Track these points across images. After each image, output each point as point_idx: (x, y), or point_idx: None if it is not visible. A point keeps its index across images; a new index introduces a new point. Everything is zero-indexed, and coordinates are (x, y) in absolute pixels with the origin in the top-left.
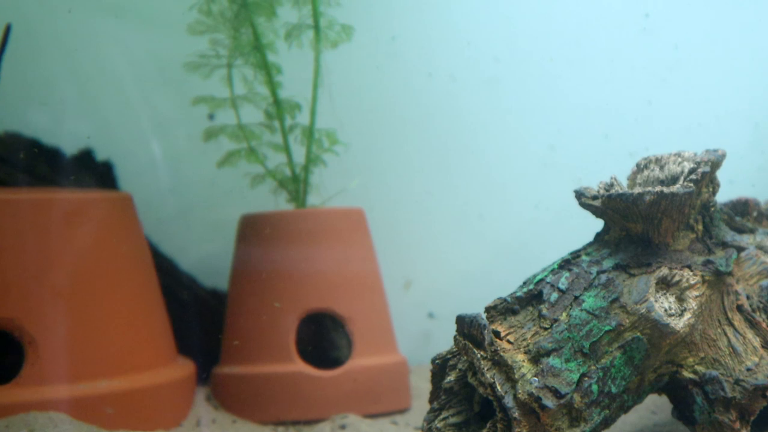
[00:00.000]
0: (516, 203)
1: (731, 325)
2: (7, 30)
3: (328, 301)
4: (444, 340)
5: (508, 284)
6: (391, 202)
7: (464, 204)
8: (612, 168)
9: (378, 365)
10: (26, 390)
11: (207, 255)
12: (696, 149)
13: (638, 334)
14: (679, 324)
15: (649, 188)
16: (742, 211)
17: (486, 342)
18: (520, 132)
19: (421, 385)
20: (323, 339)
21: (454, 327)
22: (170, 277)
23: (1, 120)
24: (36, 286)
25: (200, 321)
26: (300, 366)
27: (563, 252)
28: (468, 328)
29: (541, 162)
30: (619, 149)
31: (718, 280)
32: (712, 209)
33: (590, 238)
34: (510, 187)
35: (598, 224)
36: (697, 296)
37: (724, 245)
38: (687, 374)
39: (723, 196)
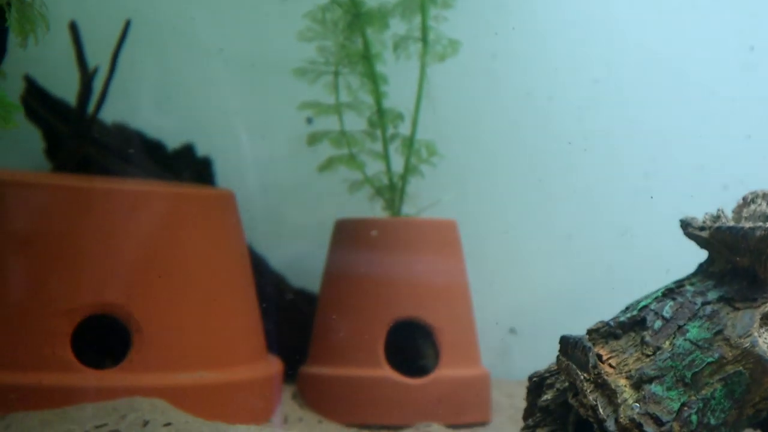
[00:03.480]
0: (605, 227)
1: None
2: (126, 26)
3: (418, 310)
4: (524, 356)
5: (592, 306)
6: (482, 215)
7: (554, 223)
8: (705, 199)
9: (463, 377)
10: (131, 375)
11: (297, 255)
12: None
13: (740, 368)
14: None
15: (760, 224)
16: None
17: (590, 364)
18: (615, 156)
19: (501, 400)
20: (411, 347)
21: (535, 343)
22: (261, 275)
23: (111, 111)
24: (145, 275)
25: (287, 320)
26: (388, 372)
27: (649, 278)
28: (571, 349)
29: (633, 188)
30: (713, 181)
31: None
32: None
33: (676, 267)
34: (601, 210)
35: (684, 255)
36: None
37: None
38: None
39: None
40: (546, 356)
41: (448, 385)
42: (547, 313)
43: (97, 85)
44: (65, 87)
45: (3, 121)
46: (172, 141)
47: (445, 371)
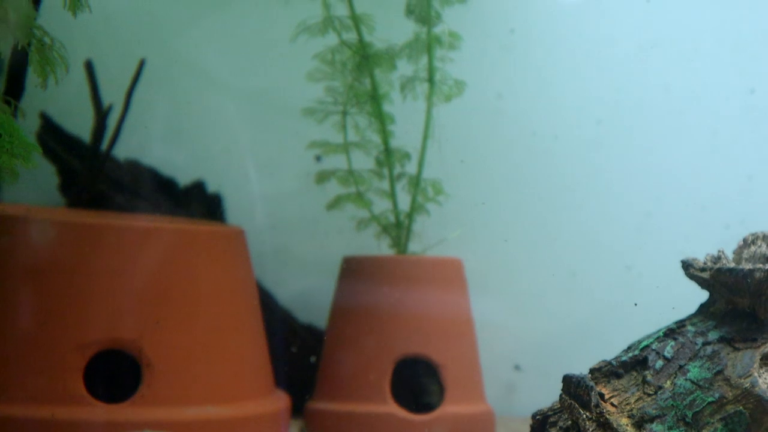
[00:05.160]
0: (608, 264)
1: None
2: (141, 65)
3: (424, 347)
4: (528, 393)
5: (596, 343)
6: (487, 253)
7: (557, 260)
8: (707, 239)
9: (468, 413)
10: (142, 409)
11: (304, 291)
12: None
13: (741, 407)
14: None
15: (760, 265)
16: None
17: (592, 403)
18: (618, 195)
19: None
20: (416, 383)
21: (539, 381)
22: (269, 310)
23: (124, 148)
24: (155, 311)
25: (295, 355)
26: (393, 408)
27: (650, 315)
28: (574, 388)
29: (636, 227)
30: (715, 221)
31: None
32: None
33: (678, 305)
34: (604, 248)
35: (687, 293)
36: None
37: None
38: None
39: None
40: (551, 393)
41: (453, 421)
42: (551, 350)
43: (111, 122)
44: (80, 124)
45: (23, 160)
46: (184, 177)
47: (450, 408)
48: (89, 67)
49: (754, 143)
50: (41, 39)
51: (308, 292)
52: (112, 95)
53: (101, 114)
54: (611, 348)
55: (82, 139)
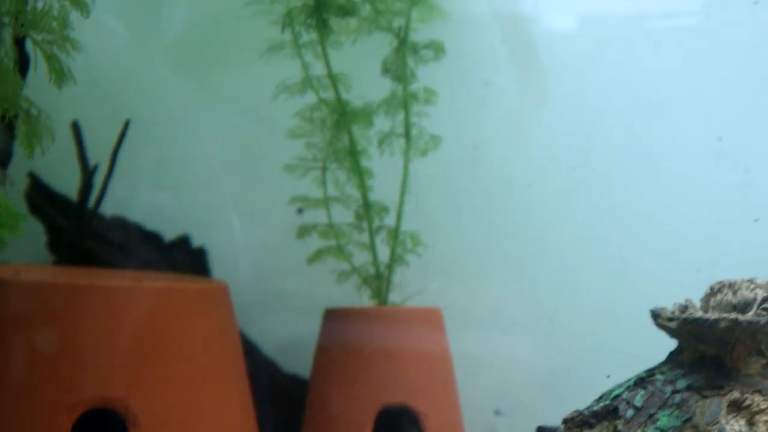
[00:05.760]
0: (585, 310)
1: None
2: (126, 125)
3: (405, 396)
4: None
5: (576, 387)
6: (465, 301)
7: (535, 307)
8: (680, 282)
9: None
10: None
11: (288, 342)
12: (762, 269)
13: None
14: None
15: (725, 315)
16: None
17: None
18: (593, 241)
19: None
20: (398, 431)
21: (520, 424)
22: (254, 361)
23: (109, 204)
24: (143, 369)
25: (279, 405)
26: None
27: (627, 359)
28: None
29: (612, 271)
30: (687, 264)
31: None
32: None
33: (655, 349)
34: (581, 293)
35: (664, 337)
36: (766, 420)
37: None
38: None
39: None
40: None
41: None
42: (532, 394)
43: (97, 180)
44: (67, 183)
45: (10, 230)
46: (169, 232)
47: None
48: (76, 127)
49: (722, 189)
50: (28, 110)
51: (293, 343)
52: (99, 154)
53: (88, 173)
54: (591, 392)
55: (70, 197)
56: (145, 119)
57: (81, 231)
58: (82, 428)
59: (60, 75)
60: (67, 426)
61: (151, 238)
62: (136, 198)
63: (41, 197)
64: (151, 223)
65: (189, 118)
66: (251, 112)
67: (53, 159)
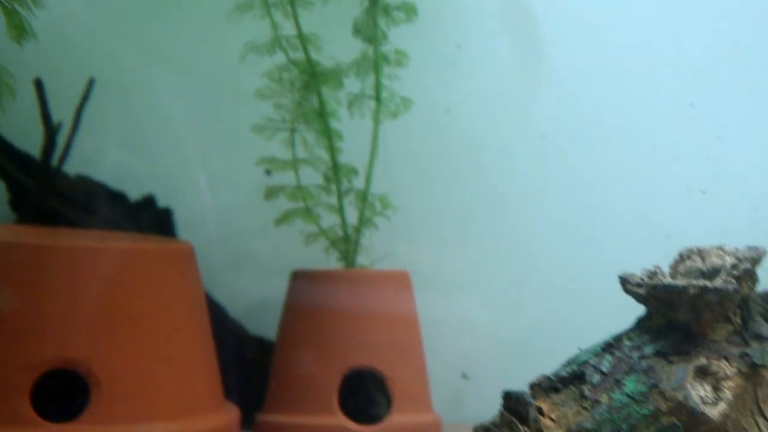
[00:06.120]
0: (554, 275)
1: (763, 416)
2: (90, 84)
3: (372, 359)
4: (476, 400)
5: (542, 351)
6: (433, 265)
7: (503, 271)
8: (649, 248)
9: (415, 423)
10: (90, 428)
11: (255, 304)
12: (730, 237)
13: (675, 420)
14: (714, 413)
15: (693, 281)
16: None
17: (530, 419)
18: (563, 207)
19: None
20: (364, 394)
21: (487, 388)
22: (220, 323)
23: (73, 164)
24: (105, 330)
25: (245, 367)
26: (341, 420)
27: (595, 324)
28: (514, 404)
29: (581, 237)
30: (656, 231)
31: (752, 372)
32: (750, 303)
33: (624, 315)
34: (549, 259)
35: (631, 303)
36: (732, 387)
37: (760, 338)
38: None
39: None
40: (498, 401)
41: (400, 431)
42: (498, 359)
43: (61, 139)
44: (30, 141)
45: None
46: (134, 192)
47: (397, 418)
48: (39, 85)
49: (693, 155)
50: None
51: (260, 305)
52: (63, 113)
53: (51, 131)
54: (557, 356)
55: (33, 155)
56: (110, 78)
57: (44, 190)
58: (44, 389)
59: (20, 31)
60: (28, 386)
61: (116, 198)
62: (101, 158)
63: (3, 155)
64: (117, 183)
65: (155, 78)
66: (219, 72)
67: (16, 117)
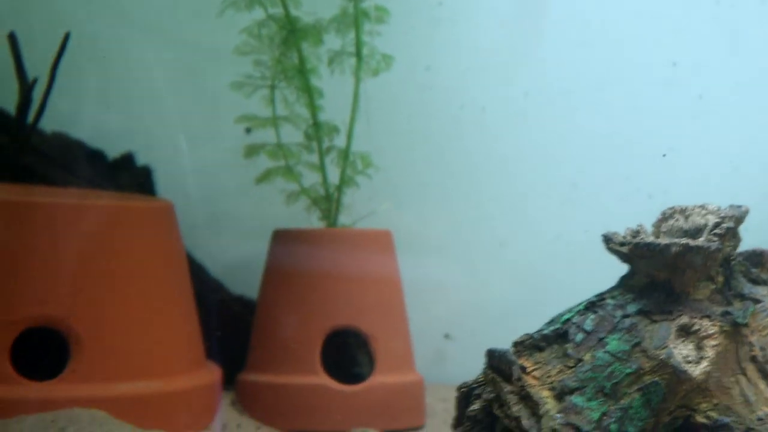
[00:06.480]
0: (537, 235)
1: (744, 374)
2: (66, 39)
3: (354, 318)
4: (458, 361)
5: (525, 311)
6: (416, 225)
7: (487, 231)
8: (631, 208)
9: (397, 383)
10: (70, 386)
11: (236, 263)
12: (712, 196)
13: (657, 378)
14: (696, 371)
15: (676, 240)
16: (757, 262)
17: (514, 377)
18: (545, 167)
19: (435, 404)
20: (346, 354)
21: (469, 349)
22: (201, 282)
23: (50, 121)
24: (85, 288)
25: (226, 327)
26: (324, 379)
27: (578, 284)
28: (497, 362)
29: (563, 197)
30: (638, 191)
31: (734, 330)
32: (733, 262)
33: (606, 274)
34: (532, 218)
35: (614, 262)
36: (714, 345)
37: (742, 297)
38: (700, 419)
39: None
40: (480, 360)
41: (383, 391)
42: (481, 319)
43: (37, 95)
44: (5, 98)
45: None
46: (113, 150)
47: (380, 378)
48: (13, 39)
49: (675, 116)
50: None
51: (241, 264)
52: (38, 69)
53: (26, 87)
54: (539, 316)
55: (7, 111)
56: (87, 34)
57: (20, 146)
58: (24, 346)
59: None
60: (7, 344)
61: (94, 156)
62: (79, 115)
63: None
64: (95, 142)
65: (132, 34)
66: (198, 29)
67: None
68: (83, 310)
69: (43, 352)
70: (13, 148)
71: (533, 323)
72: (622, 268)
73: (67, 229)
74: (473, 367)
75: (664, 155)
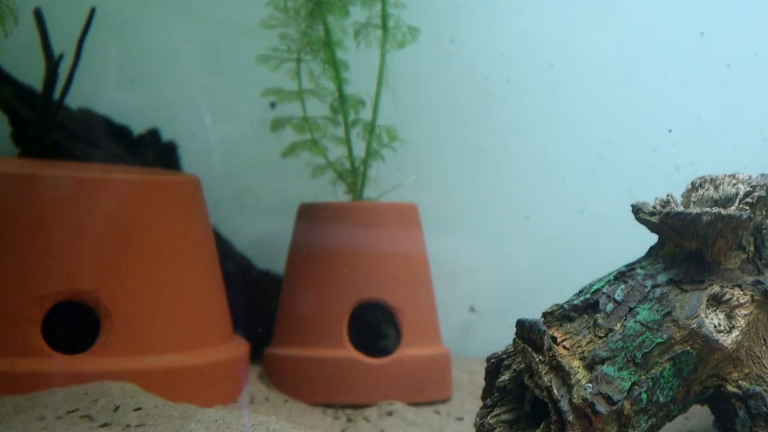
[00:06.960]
0: (562, 207)
1: None
2: (92, 14)
3: (381, 291)
4: (483, 334)
5: (551, 284)
6: (442, 198)
7: (512, 204)
8: (658, 180)
9: (424, 356)
10: (101, 360)
11: (261, 238)
12: (740, 167)
13: (688, 347)
14: (727, 340)
15: (707, 209)
16: None
17: (545, 347)
18: (571, 139)
19: (461, 377)
20: (373, 327)
21: (494, 322)
22: (227, 257)
23: (75, 97)
24: (113, 262)
25: (253, 301)
26: (351, 352)
27: (603, 257)
28: (527, 332)
29: (589, 169)
30: (665, 162)
31: (765, 300)
32: (764, 231)
33: (631, 246)
34: (557, 191)
35: (640, 234)
36: (745, 315)
37: None
38: (731, 388)
39: None
40: (505, 333)
41: (410, 364)
42: (506, 292)
43: (63, 71)
44: (31, 73)
45: None
46: (138, 126)
47: (407, 351)
48: (39, 15)
49: (703, 86)
50: None
51: (267, 239)
52: (64, 44)
53: (52, 63)
54: (565, 288)
55: (34, 88)
56: (111, 11)
57: (46, 123)
58: (56, 321)
59: None
60: (38, 318)
61: (120, 132)
62: (104, 91)
63: (4, 88)
64: (120, 117)
65: (157, 10)
66: (222, 3)
67: (16, 49)
68: (111, 284)
69: (75, 327)
70: (39, 125)
71: (558, 296)
72: (648, 242)
73: (93, 203)
74: (498, 340)
75: (669, 131)
